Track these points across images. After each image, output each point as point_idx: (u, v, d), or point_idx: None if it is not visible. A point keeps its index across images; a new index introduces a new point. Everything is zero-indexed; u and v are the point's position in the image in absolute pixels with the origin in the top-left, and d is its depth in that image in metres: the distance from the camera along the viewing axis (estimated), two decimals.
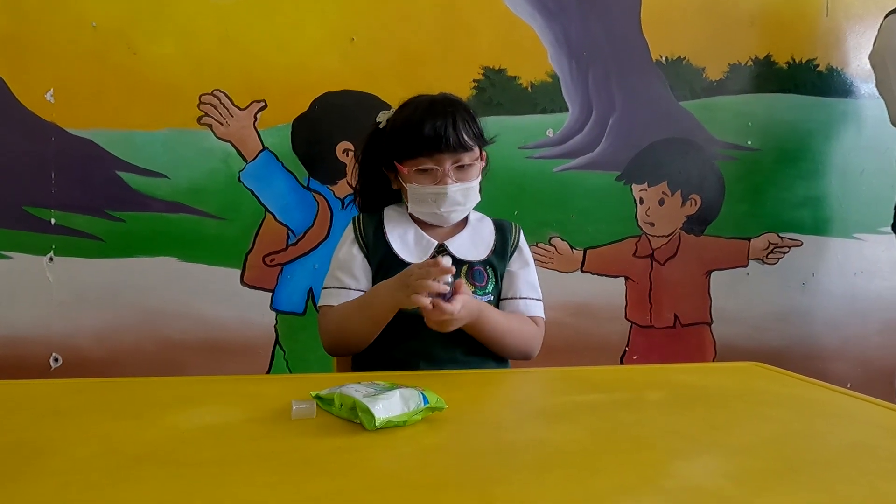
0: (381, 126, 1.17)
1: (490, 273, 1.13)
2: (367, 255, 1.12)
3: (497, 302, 1.15)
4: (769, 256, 1.98)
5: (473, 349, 1.09)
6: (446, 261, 0.92)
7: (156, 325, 1.66)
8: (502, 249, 1.16)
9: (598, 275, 1.89)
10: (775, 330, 1.99)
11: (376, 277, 1.11)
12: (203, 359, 1.68)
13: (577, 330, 1.88)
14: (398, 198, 1.19)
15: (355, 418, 0.71)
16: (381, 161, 1.16)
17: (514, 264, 1.17)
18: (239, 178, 1.70)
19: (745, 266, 1.97)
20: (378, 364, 1.09)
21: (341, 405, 0.73)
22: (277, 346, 1.73)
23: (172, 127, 1.67)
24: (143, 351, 1.65)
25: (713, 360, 1.95)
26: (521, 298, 1.14)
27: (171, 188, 1.67)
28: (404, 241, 1.13)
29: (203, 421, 0.72)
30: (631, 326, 1.91)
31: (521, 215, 1.83)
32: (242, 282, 1.71)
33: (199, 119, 1.67)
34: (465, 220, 1.18)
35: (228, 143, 1.69)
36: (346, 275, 1.11)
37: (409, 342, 1.08)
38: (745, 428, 0.72)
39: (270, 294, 1.72)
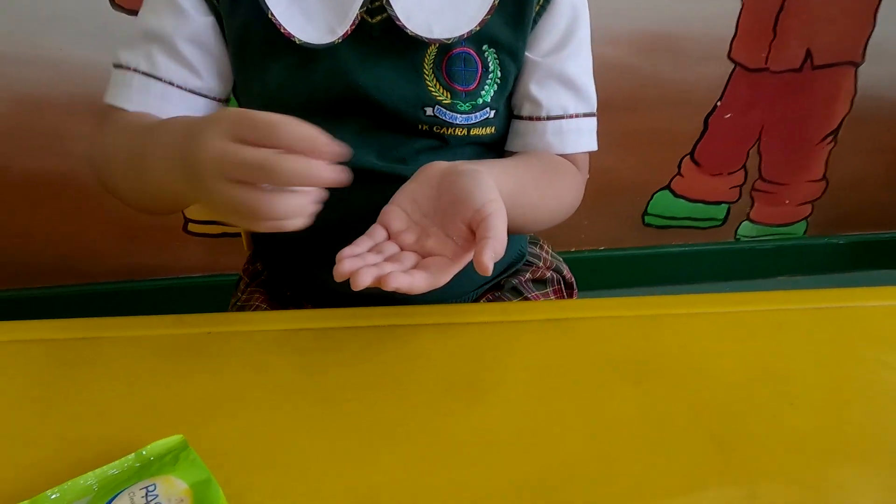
0: None
1: (488, 59, 0.52)
2: (217, 20, 0.52)
3: (506, 118, 0.57)
4: None
5: None
6: None
7: None
8: (517, 7, 0.52)
9: None
10: None
11: (237, 69, 0.54)
12: (87, 122, 1.14)
13: (647, 76, 1.23)
14: None
15: None
16: None
17: (544, 42, 0.54)
18: None
19: None
20: (309, 286, 0.61)
21: None
22: None
23: None
24: None
25: (843, 119, 1.33)
26: (556, 118, 0.54)
27: None
28: None
29: None
30: (733, 69, 1.24)
31: None
32: (113, 2, 1.06)
33: None
34: None
35: None
36: (166, 52, 0.51)
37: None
38: None
39: None
